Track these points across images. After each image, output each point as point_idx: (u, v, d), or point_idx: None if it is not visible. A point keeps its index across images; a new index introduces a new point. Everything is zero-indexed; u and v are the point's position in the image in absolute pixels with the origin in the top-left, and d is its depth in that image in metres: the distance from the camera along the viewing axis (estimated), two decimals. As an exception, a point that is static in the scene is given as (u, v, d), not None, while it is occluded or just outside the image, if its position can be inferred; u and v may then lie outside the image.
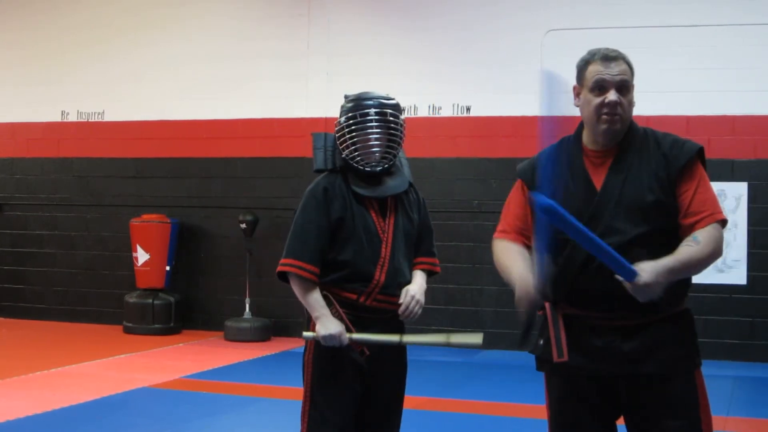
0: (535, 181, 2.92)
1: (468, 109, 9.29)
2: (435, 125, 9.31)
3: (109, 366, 7.89)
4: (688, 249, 2.69)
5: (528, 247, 2.94)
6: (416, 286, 3.48)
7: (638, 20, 8.63)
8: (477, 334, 3.38)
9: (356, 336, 3.34)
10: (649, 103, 8.24)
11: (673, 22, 8.62)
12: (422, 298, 3.48)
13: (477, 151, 9.21)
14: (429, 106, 9.36)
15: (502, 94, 9.12)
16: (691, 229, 2.75)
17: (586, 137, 2.91)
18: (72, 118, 10.59)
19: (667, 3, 8.74)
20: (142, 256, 9.68)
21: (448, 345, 3.42)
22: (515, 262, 2.88)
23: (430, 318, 9.14)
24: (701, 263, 2.71)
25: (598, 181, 2.84)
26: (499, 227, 3.05)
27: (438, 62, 9.39)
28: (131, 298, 9.73)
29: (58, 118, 10.64)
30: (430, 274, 3.61)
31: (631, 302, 2.70)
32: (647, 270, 2.60)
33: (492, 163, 9.12)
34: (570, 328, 2.83)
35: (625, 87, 2.81)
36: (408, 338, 3.42)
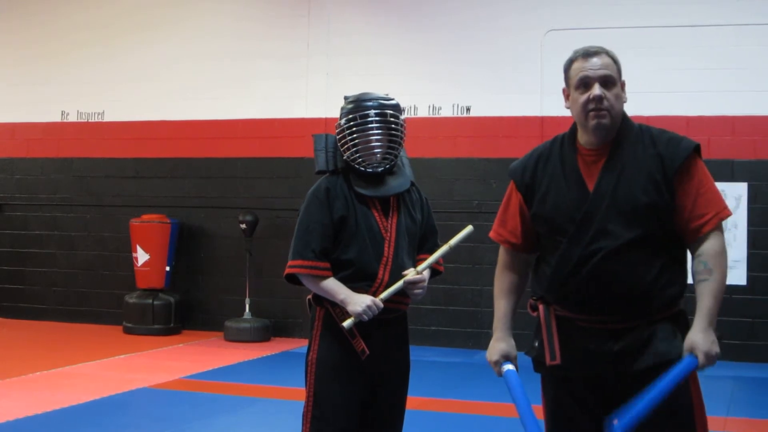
0: (525, 182, 2.90)
1: (468, 109, 9.28)
2: (435, 125, 9.31)
3: (109, 366, 7.89)
4: (708, 286, 2.70)
5: (526, 251, 2.97)
6: (426, 274, 3.48)
7: (638, 20, 8.64)
8: (467, 227, 3.57)
9: (383, 295, 3.35)
10: (649, 103, 8.25)
11: (673, 22, 8.62)
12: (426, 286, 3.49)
13: (477, 152, 9.20)
14: (429, 106, 9.36)
15: (502, 94, 9.12)
16: (696, 233, 2.73)
17: (580, 136, 2.87)
18: (72, 118, 10.59)
19: (667, 3, 8.74)
20: (142, 256, 9.68)
21: (450, 248, 3.49)
22: (500, 308, 3.00)
23: (431, 318, 9.15)
24: (725, 284, 2.74)
25: (591, 181, 2.79)
26: (501, 229, 3.01)
27: (438, 62, 9.39)
28: (131, 299, 9.73)
29: (58, 118, 10.64)
30: (434, 273, 3.62)
31: (621, 306, 2.71)
32: (697, 342, 2.65)
33: (492, 164, 9.12)
34: (563, 330, 2.82)
35: (609, 81, 2.76)
36: (421, 267, 3.45)
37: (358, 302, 3.30)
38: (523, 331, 2.98)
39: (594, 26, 8.71)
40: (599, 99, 2.74)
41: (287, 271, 3.43)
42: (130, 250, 9.90)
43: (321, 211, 3.40)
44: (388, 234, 3.44)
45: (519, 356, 2.97)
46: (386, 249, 3.42)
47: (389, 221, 3.47)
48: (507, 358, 2.93)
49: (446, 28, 9.39)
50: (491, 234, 3.06)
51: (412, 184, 3.61)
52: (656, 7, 8.75)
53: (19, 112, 10.77)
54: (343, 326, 3.32)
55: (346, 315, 3.34)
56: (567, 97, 2.87)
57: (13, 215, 10.80)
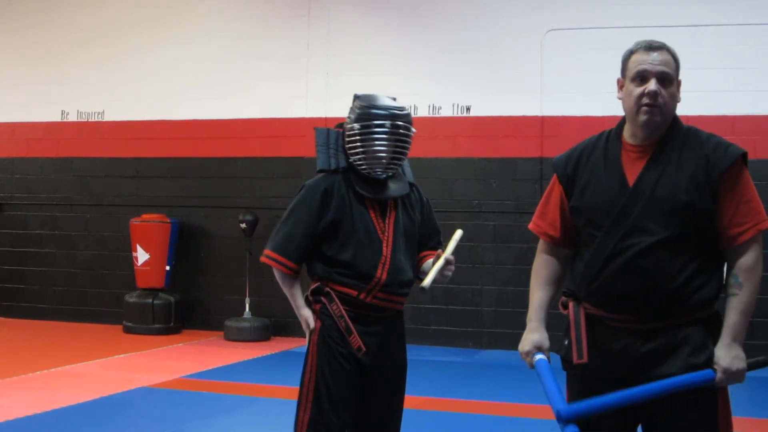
0: (567, 174, 2.88)
1: (468, 109, 9.28)
2: (435, 125, 9.30)
3: (109, 366, 7.89)
4: (737, 301, 2.71)
5: (564, 245, 2.94)
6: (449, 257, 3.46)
7: (638, 20, 8.63)
8: (457, 232, 3.52)
9: (428, 279, 3.33)
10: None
11: (673, 22, 8.61)
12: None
13: (477, 151, 9.20)
14: (429, 106, 9.36)
15: (502, 94, 9.12)
16: (733, 240, 2.71)
17: (626, 130, 2.84)
18: (72, 118, 10.59)
19: (667, 3, 8.74)
20: (142, 255, 9.68)
21: (447, 261, 3.42)
22: (534, 298, 2.94)
23: (431, 317, 9.15)
24: (755, 300, 2.74)
25: (632, 176, 2.76)
26: (541, 221, 2.99)
27: (438, 62, 9.39)
28: (131, 298, 9.73)
29: (58, 118, 10.64)
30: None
31: (650, 305, 2.69)
32: (720, 357, 2.68)
33: (492, 163, 9.12)
34: (592, 329, 2.80)
35: (666, 78, 2.73)
36: (426, 282, 3.38)
37: (303, 316, 3.45)
38: (555, 332, 2.93)
39: (594, 26, 8.72)
40: (654, 95, 2.71)
41: (263, 259, 3.50)
42: (130, 250, 9.90)
43: (311, 212, 3.41)
44: (386, 235, 3.45)
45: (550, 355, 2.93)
46: (384, 249, 3.42)
47: (386, 222, 3.47)
48: (539, 348, 2.87)
49: (446, 28, 9.39)
50: (530, 225, 3.04)
51: (413, 185, 3.61)
52: (656, 7, 8.75)
53: (19, 112, 10.77)
54: (422, 287, 3.33)
55: (344, 308, 3.38)
56: (621, 87, 2.83)
57: (13, 215, 10.80)
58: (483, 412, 6.28)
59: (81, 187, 10.54)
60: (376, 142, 3.40)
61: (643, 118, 2.74)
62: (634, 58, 2.77)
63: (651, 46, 2.77)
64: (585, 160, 2.88)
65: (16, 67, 10.82)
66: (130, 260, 9.91)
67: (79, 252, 10.50)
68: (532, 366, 2.85)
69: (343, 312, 3.38)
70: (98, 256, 10.43)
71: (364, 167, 3.42)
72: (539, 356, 2.85)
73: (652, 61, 2.73)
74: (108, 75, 10.40)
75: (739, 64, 8.53)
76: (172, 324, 9.70)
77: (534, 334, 2.90)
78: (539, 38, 9.00)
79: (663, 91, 2.73)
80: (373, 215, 3.46)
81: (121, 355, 8.35)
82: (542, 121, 8.84)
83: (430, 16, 9.46)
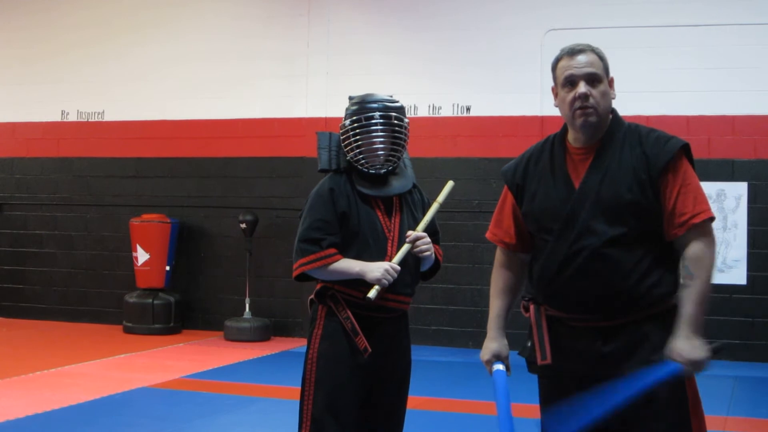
0: (516, 182, 2.92)
1: (468, 109, 9.28)
2: (435, 125, 9.31)
3: (109, 366, 7.89)
4: (689, 292, 2.68)
5: (521, 251, 2.98)
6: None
7: (638, 20, 8.63)
8: (448, 183, 3.65)
9: (395, 260, 3.37)
10: (649, 103, 8.25)
11: (673, 22, 8.62)
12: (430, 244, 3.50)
13: (477, 151, 9.21)
14: (429, 106, 9.36)
15: (502, 94, 9.12)
16: (677, 231, 2.70)
17: (569, 135, 2.88)
18: (72, 118, 10.59)
19: (667, 3, 8.74)
20: (142, 255, 9.68)
21: (439, 205, 3.57)
22: (494, 307, 3.01)
23: (431, 317, 9.16)
24: (709, 289, 2.71)
25: (578, 180, 2.79)
26: (497, 229, 3.03)
27: (438, 62, 9.39)
28: (131, 298, 9.73)
29: (58, 118, 10.64)
30: (434, 267, 3.64)
31: (607, 303, 2.71)
32: (681, 349, 2.63)
33: (492, 163, 9.12)
34: (553, 330, 2.83)
35: (595, 78, 2.76)
36: (419, 227, 3.47)
37: (376, 269, 3.32)
38: (521, 330, 2.97)
39: (594, 26, 8.71)
40: (584, 97, 2.75)
41: (295, 273, 3.42)
42: (130, 250, 9.90)
43: (326, 209, 3.40)
44: (392, 234, 3.46)
45: (514, 356, 2.97)
46: (389, 248, 3.43)
47: (392, 221, 3.48)
48: (498, 357, 2.96)
49: (446, 28, 9.39)
50: (487, 234, 3.08)
51: (414, 185, 3.63)
52: (656, 6, 8.75)
53: (19, 112, 10.77)
54: (368, 297, 3.30)
55: (350, 308, 3.36)
56: (555, 96, 2.87)
57: (13, 215, 10.80)
58: (483, 412, 6.28)
59: (81, 187, 10.54)
60: (371, 134, 3.41)
61: (579, 121, 2.78)
62: (561, 65, 2.82)
63: (574, 51, 2.81)
64: (533, 167, 2.91)
65: (16, 67, 10.82)
66: (130, 260, 9.91)
67: (79, 252, 10.50)
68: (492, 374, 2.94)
69: (349, 314, 3.38)
70: (98, 256, 10.43)
71: (362, 161, 3.43)
72: (498, 366, 2.95)
73: (577, 64, 2.77)
74: (108, 75, 10.40)
75: (739, 64, 8.52)
76: (172, 324, 9.70)
77: (493, 343, 2.98)
78: (539, 38, 9.00)
79: (593, 91, 2.76)
80: (379, 214, 3.47)
81: (121, 355, 8.35)
82: (542, 121, 8.84)
83: (430, 16, 9.46)
